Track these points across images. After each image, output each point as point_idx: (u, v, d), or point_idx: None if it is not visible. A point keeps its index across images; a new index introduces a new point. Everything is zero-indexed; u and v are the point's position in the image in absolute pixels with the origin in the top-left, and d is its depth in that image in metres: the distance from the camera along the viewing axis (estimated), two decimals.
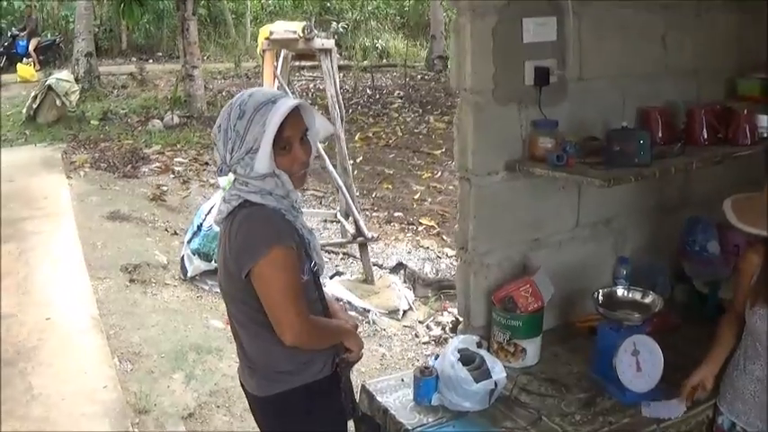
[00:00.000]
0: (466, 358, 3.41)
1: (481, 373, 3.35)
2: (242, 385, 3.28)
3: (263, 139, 2.75)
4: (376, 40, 27.60)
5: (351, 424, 3.48)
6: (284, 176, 2.86)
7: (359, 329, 3.32)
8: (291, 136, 2.84)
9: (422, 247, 9.44)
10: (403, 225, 10.38)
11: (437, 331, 7.11)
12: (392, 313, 7.43)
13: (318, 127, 2.99)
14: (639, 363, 3.40)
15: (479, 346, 3.55)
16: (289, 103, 2.81)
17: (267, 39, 8.32)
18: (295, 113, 2.83)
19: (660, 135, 3.95)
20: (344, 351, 3.15)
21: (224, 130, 2.82)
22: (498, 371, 3.38)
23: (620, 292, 3.80)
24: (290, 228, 2.90)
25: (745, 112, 4.02)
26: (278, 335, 2.87)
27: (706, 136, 4.02)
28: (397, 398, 3.53)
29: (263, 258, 2.77)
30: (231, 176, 2.96)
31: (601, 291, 3.75)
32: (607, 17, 4.02)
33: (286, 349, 2.91)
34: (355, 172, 10.63)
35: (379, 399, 3.53)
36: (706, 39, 4.39)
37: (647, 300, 3.71)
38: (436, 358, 3.53)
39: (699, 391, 3.37)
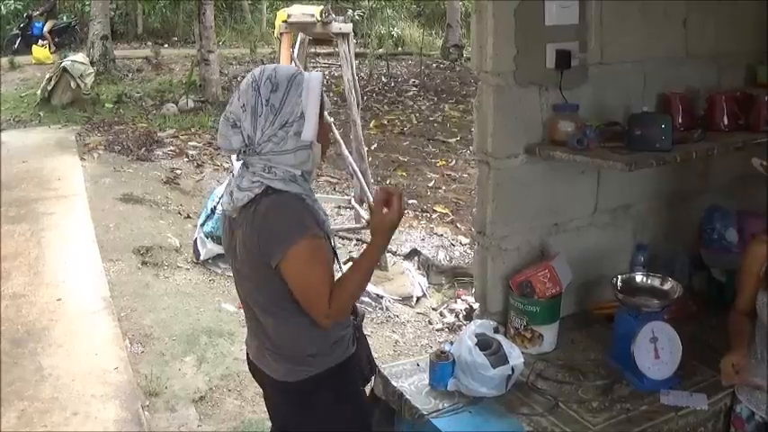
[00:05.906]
0: (483, 343, 3.38)
1: (498, 358, 3.32)
2: (253, 371, 3.25)
3: (308, 106, 2.71)
4: (391, 29, 27.57)
5: None
6: (317, 147, 2.82)
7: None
8: (321, 109, 2.81)
9: (436, 234, 9.43)
10: (417, 212, 10.37)
11: (450, 318, 7.11)
12: (405, 300, 7.43)
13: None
14: (658, 350, 3.39)
15: (496, 331, 3.52)
16: (316, 74, 2.80)
17: (285, 21, 8.34)
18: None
19: (680, 121, 3.94)
20: None
21: (251, 107, 2.74)
22: (516, 356, 3.36)
23: (639, 278, 3.78)
24: (316, 214, 2.85)
25: (767, 98, 3.99)
26: (314, 320, 2.86)
27: (726, 122, 4.01)
28: (412, 382, 3.50)
29: (295, 248, 2.72)
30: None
31: (619, 276, 3.72)
32: (629, 0, 3.98)
33: (315, 331, 2.91)
34: (370, 159, 10.56)
35: (394, 383, 3.50)
36: (727, 24, 4.34)
37: (666, 286, 3.68)
38: (452, 344, 3.50)
39: (736, 374, 3.23)
